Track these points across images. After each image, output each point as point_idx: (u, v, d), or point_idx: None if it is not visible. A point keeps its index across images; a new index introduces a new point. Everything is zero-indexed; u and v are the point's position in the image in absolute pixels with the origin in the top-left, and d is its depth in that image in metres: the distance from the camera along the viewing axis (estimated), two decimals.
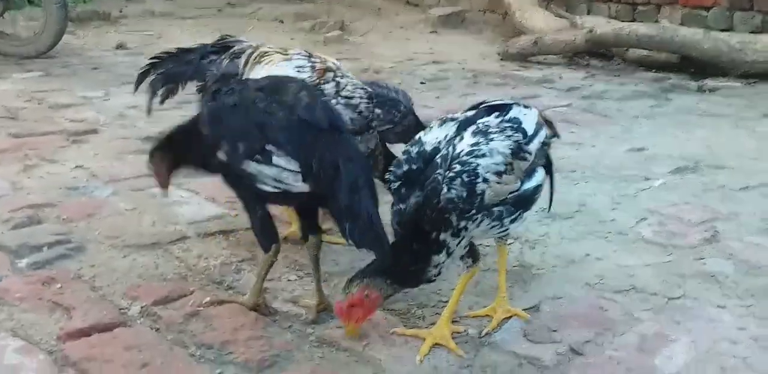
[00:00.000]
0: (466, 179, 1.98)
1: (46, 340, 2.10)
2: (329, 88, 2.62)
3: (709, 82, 5.36)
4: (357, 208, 2.01)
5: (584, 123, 4.39)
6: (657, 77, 5.62)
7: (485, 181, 2.00)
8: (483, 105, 2.22)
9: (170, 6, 8.76)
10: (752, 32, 5.83)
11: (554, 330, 2.18)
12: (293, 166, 2.05)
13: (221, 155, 2.15)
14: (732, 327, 2.21)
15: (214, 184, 3.33)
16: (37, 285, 2.39)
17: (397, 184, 2.07)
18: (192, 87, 2.84)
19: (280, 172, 2.06)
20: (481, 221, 2.04)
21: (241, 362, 2.01)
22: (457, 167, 1.99)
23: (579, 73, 5.79)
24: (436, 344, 2.10)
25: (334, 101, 2.58)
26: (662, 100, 5.00)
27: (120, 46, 6.62)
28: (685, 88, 5.32)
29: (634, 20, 6.43)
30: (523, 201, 2.13)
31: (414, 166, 2.06)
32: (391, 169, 2.11)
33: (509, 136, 2.08)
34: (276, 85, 2.26)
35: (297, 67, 2.63)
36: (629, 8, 6.75)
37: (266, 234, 2.23)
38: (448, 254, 2.05)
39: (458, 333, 2.17)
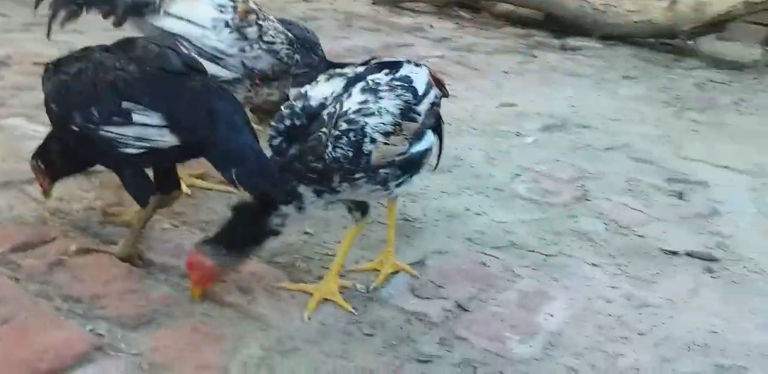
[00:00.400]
0: (353, 138, 1.87)
1: None
2: (251, 31, 2.46)
3: (571, 41, 5.48)
4: (242, 151, 1.89)
5: (457, 75, 4.37)
6: (523, 33, 5.68)
7: (373, 140, 1.89)
8: (374, 61, 2.10)
9: None
10: None
11: (440, 286, 2.16)
12: (156, 119, 1.89)
13: (75, 128, 1.96)
14: (606, 286, 2.28)
15: None
16: None
17: (277, 140, 1.92)
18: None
19: (143, 129, 1.90)
20: (363, 183, 1.94)
21: (114, 317, 1.86)
22: (344, 125, 1.87)
23: (449, 24, 5.77)
24: (324, 299, 2.03)
25: (256, 46, 2.43)
26: (528, 56, 5.06)
27: None
28: (549, 45, 5.42)
29: None
30: (411, 165, 2.03)
31: (297, 122, 1.92)
32: (272, 123, 1.97)
33: (399, 95, 1.97)
34: (121, 42, 2.08)
35: (218, 5, 2.47)
36: None
37: (140, 188, 2.05)
38: (298, 208, 1.94)
39: (346, 288, 2.11)
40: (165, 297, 1.97)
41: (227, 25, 2.48)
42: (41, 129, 2.90)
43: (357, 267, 2.23)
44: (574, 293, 2.22)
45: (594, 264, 2.39)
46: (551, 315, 2.10)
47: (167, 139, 1.90)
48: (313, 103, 1.95)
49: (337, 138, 1.86)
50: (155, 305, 1.93)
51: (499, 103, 3.94)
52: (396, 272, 2.20)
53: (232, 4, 2.51)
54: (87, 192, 2.47)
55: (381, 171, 1.94)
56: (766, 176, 3.22)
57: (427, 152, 2.08)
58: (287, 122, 1.93)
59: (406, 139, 1.98)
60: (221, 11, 2.47)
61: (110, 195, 2.47)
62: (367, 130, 1.88)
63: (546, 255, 2.42)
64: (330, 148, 1.85)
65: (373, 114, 1.90)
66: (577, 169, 3.15)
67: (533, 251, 2.44)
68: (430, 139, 2.09)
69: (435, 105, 2.11)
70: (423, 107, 2.02)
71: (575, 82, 4.52)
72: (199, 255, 1.92)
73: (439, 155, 2.27)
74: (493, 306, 2.11)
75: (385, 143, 1.91)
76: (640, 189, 3.00)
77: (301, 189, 1.91)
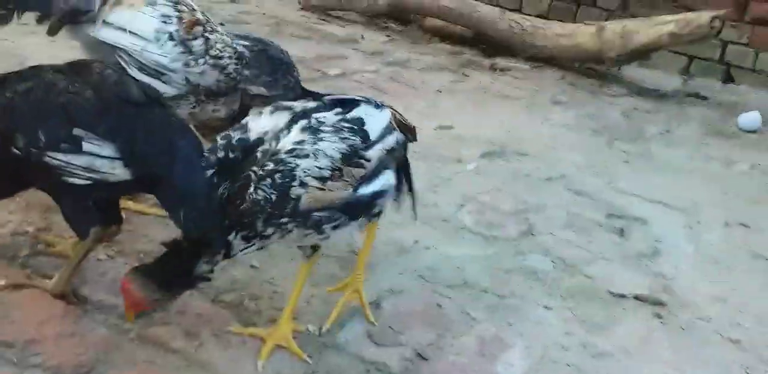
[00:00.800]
0: (279, 181, 1.71)
1: None
2: (197, 45, 2.27)
3: (500, 62, 5.46)
4: (193, 192, 1.73)
5: (393, 93, 4.27)
6: (453, 50, 5.62)
7: (302, 184, 1.73)
8: (328, 97, 1.94)
9: None
10: (539, 16, 6.02)
11: (398, 332, 2.07)
12: (109, 150, 1.72)
13: (16, 150, 1.75)
14: (561, 332, 2.23)
15: None
16: None
17: (208, 173, 1.76)
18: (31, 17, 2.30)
19: (93, 159, 1.72)
20: (291, 230, 1.78)
21: (52, 367, 1.68)
22: (270, 165, 1.72)
23: (380, 36, 5.66)
24: (277, 345, 1.89)
25: (201, 61, 2.24)
26: (460, 75, 5.02)
27: None
28: (479, 64, 5.38)
29: None
30: (356, 208, 1.86)
31: (231, 155, 1.77)
32: (205, 153, 1.80)
33: (344, 138, 1.80)
34: (75, 65, 1.90)
35: (162, 15, 2.27)
36: None
37: (82, 220, 1.86)
38: (227, 256, 1.79)
39: (299, 332, 1.98)
40: (105, 341, 1.80)
41: (171, 37, 2.29)
42: None
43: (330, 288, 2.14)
44: (530, 340, 2.16)
45: (546, 307, 2.34)
46: (511, 365, 2.03)
47: (118, 172, 1.73)
48: (252, 136, 1.79)
49: (261, 179, 1.70)
50: (94, 351, 1.76)
51: (437, 125, 3.86)
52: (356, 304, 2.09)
53: (177, 14, 2.32)
54: (12, 214, 2.25)
55: (314, 214, 1.77)
56: (698, 213, 3.24)
57: (378, 194, 1.91)
58: (221, 154, 1.77)
59: (350, 184, 1.82)
60: (165, 22, 2.28)
61: (38, 218, 2.26)
62: (297, 172, 1.72)
63: (499, 296, 2.35)
64: (251, 189, 1.70)
65: (307, 156, 1.74)
66: (520, 200, 3.10)
67: (486, 291, 2.37)
68: (384, 181, 1.92)
69: (394, 150, 1.95)
70: (373, 153, 1.86)
71: (507, 105, 4.49)
72: (131, 284, 1.74)
73: (414, 201, 2.20)
74: (452, 354, 2.03)
75: (319, 188, 1.75)
76: (582, 225, 2.97)
77: (231, 236, 1.74)
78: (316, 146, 1.75)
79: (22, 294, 1.89)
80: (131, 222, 2.32)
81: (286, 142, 1.74)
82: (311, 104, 1.88)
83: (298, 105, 1.87)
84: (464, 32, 5.87)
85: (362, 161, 1.83)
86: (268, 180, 1.69)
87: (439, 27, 5.96)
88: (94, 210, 1.85)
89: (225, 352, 1.85)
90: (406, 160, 2.06)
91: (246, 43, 2.49)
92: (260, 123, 1.81)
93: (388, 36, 5.75)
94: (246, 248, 1.77)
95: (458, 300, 2.28)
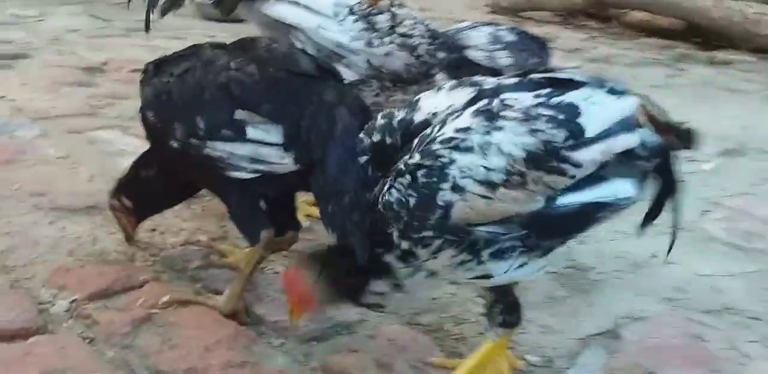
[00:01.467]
0: (421, 179, 1.22)
1: None
2: (382, 20, 1.91)
3: (720, 54, 4.77)
4: (342, 186, 1.35)
5: None
6: (662, 44, 5.00)
7: (456, 188, 1.22)
8: (540, 74, 1.33)
9: None
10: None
11: (652, 371, 1.55)
12: (275, 136, 1.39)
13: (175, 144, 1.47)
14: None
15: None
16: None
17: (363, 159, 1.33)
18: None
19: (259, 147, 1.40)
20: (439, 250, 1.27)
21: None
22: (416, 158, 1.23)
23: (578, 34, 5.15)
24: None
25: (387, 39, 1.89)
26: (675, 69, 4.40)
27: None
28: (695, 58, 4.72)
29: None
30: (551, 227, 1.28)
31: (388, 140, 1.31)
32: (361, 135, 1.36)
33: (536, 131, 1.22)
34: (240, 41, 1.59)
35: None
36: None
37: (251, 222, 1.53)
38: (394, 286, 1.34)
39: (518, 369, 1.53)
40: (281, 372, 1.43)
41: (352, 12, 1.94)
42: (136, 143, 2.45)
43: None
44: None
45: None
46: None
47: (288, 161, 1.38)
48: (418, 117, 1.31)
49: (399, 174, 1.24)
50: None
51: None
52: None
53: None
54: (186, 221, 1.97)
55: (478, 229, 1.24)
56: None
57: (595, 207, 1.28)
58: (377, 137, 1.32)
59: (537, 194, 1.24)
60: None
61: (214, 226, 1.96)
62: (451, 171, 1.21)
63: None
64: (385, 188, 1.25)
65: (470, 150, 1.21)
66: None
67: (757, 319, 1.80)
68: (614, 188, 1.27)
69: (637, 157, 1.28)
70: (589, 155, 1.23)
71: (738, 99, 3.83)
72: (299, 276, 1.37)
73: (674, 231, 1.41)
74: None
75: (484, 196, 1.22)
76: None
77: (386, 256, 1.30)
78: (486, 138, 1.22)
79: (186, 312, 1.57)
80: (314, 231, 1.97)
81: (449, 129, 1.25)
82: (510, 80, 1.33)
83: (492, 81, 1.34)
84: (673, 25, 5.23)
85: (564, 166, 1.23)
86: (407, 177, 1.23)
87: (644, 21, 5.35)
88: (265, 210, 1.51)
89: None
90: (671, 176, 1.35)
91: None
92: (434, 101, 1.34)
93: (587, 34, 5.21)
94: (409, 274, 1.32)
95: (722, 330, 1.73)
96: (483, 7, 5.73)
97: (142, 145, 2.41)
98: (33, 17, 4.04)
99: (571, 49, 4.67)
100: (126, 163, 2.23)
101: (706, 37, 5.04)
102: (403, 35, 1.95)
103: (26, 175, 2.14)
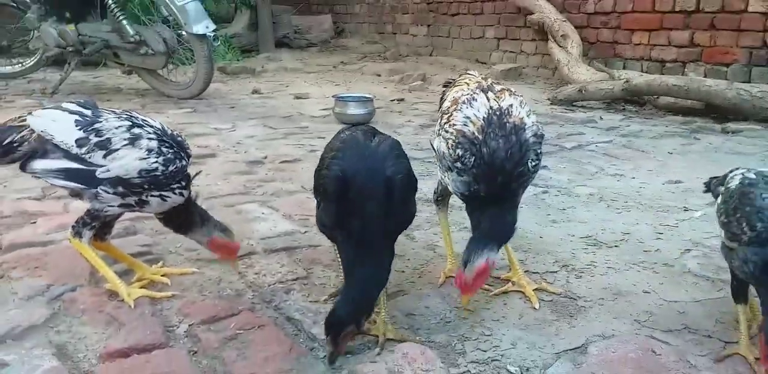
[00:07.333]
0: None
1: (89, 358, 1.50)
2: None
3: (732, 125, 4.40)
4: None
5: (624, 157, 3.56)
6: (684, 120, 4.68)
7: None
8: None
9: (299, 64, 8.31)
10: None
11: None
12: None
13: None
14: None
15: (294, 201, 2.74)
16: (103, 297, 1.79)
17: None
18: None
19: None
20: None
21: None
22: None
23: (617, 116, 4.92)
24: None
25: None
26: (691, 139, 4.09)
27: (255, 91, 6.16)
28: (711, 129, 4.38)
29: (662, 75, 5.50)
30: None
31: None
32: None
33: None
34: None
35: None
36: (659, 65, 5.81)
37: None
38: None
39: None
40: None
41: None
42: (267, 212, 2.60)
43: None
44: None
45: None
46: None
47: None
48: None
49: None
50: None
51: (666, 180, 3.07)
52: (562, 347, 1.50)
53: None
54: (283, 266, 2.05)
55: None
56: None
57: None
58: None
59: None
60: None
61: (301, 269, 2.02)
62: None
63: (725, 342, 1.59)
64: None
65: None
66: None
67: (710, 337, 1.61)
68: None
69: None
70: None
71: (740, 160, 3.49)
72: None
73: None
74: None
75: None
76: None
77: None
78: None
79: (261, 333, 1.61)
80: None
81: None
82: None
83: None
84: (695, 105, 4.88)
85: None
86: None
87: (672, 103, 5.03)
88: None
89: None
90: None
91: None
92: None
93: (624, 115, 4.97)
94: None
95: (677, 346, 1.57)
96: (545, 100, 5.61)
97: (270, 213, 2.56)
98: (227, 129, 4.37)
99: (609, 127, 4.46)
100: (257, 227, 2.38)
101: (722, 113, 4.67)
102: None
103: (187, 239, 2.27)
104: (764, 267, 1.33)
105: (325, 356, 1.50)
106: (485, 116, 1.64)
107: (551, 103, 5.45)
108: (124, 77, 6.95)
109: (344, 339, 1.45)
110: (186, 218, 1.80)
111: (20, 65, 6.32)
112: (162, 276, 1.91)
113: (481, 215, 1.61)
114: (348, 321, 1.41)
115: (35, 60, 6.16)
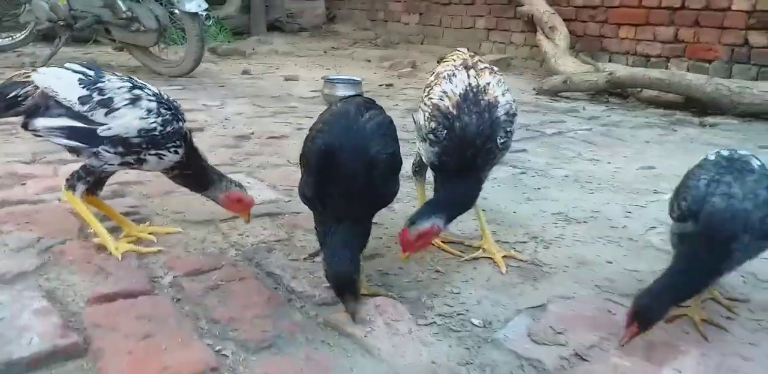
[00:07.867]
0: None
1: (77, 302, 1.58)
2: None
3: (710, 119, 4.54)
4: None
5: (602, 144, 3.67)
6: (665, 113, 4.81)
7: None
8: None
9: (290, 48, 8.36)
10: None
11: (559, 332, 1.53)
12: None
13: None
14: (744, 343, 1.52)
15: (280, 173, 2.82)
16: (91, 250, 1.87)
17: None
18: None
19: None
20: None
21: (241, 340, 1.44)
22: None
23: (600, 107, 5.04)
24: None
25: None
26: (669, 130, 4.22)
27: (245, 72, 6.21)
28: (689, 122, 4.51)
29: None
30: None
31: None
32: None
33: None
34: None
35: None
36: (643, 59, 5.95)
37: None
38: None
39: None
40: (293, 324, 1.53)
41: None
42: (252, 181, 2.67)
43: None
44: (707, 348, 1.49)
45: (730, 318, 1.64)
46: (679, 372, 1.39)
47: None
48: None
49: None
50: (280, 330, 1.49)
51: (640, 166, 3.19)
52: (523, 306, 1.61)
53: None
54: (265, 230, 2.13)
55: None
56: None
57: None
58: None
59: None
60: None
61: (283, 233, 2.11)
62: None
63: (679, 306, 1.70)
64: None
65: None
66: None
67: None
68: None
69: None
70: None
71: (711, 150, 3.61)
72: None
73: None
74: (615, 356, 1.45)
75: None
76: None
77: None
78: None
79: (241, 284, 1.71)
80: None
81: None
82: None
83: None
84: (676, 98, 5.02)
85: None
86: None
87: (654, 96, 5.16)
88: None
89: (391, 340, 1.49)
90: None
91: None
92: None
93: (607, 106, 5.09)
94: None
95: None
96: (531, 90, 5.72)
97: (256, 182, 2.64)
98: (216, 106, 4.43)
99: (591, 117, 4.58)
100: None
101: (701, 106, 4.80)
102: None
103: (175, 202, 2.35)
104: (681, 240, 1.51)
105: (302, 306, 1.60)
106: (462, 92, 1.73)
107: (537, 93, 5.56)
108: (115, 54, 6.96)
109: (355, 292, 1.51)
110: (204, 176, 1.87)
111: (10, 38, 6.31)
112: (149, 234, 1.99)
113: (444, 184, 1.70)
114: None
115: (26, 34, 6.15)
